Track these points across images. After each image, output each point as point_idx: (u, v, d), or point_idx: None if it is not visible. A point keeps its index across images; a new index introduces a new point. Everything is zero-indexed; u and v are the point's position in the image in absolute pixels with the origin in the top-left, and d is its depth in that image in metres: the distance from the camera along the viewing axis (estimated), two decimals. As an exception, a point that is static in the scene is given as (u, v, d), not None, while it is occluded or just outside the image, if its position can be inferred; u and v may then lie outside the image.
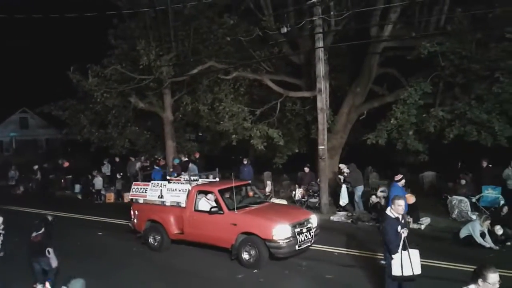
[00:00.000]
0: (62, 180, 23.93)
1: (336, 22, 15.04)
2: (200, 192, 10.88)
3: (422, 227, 12.55)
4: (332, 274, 9.05)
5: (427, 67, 14.40)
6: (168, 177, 13.37)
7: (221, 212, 10.10)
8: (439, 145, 14.90)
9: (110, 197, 19.88)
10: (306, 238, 9.68)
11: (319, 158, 14.09)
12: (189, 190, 10.94)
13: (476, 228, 10.63)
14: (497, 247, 10.32)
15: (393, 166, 19.01)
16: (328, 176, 14.88)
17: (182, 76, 17.96)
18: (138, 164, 21.20)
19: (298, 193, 15.88)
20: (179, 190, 11.19)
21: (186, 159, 19.37)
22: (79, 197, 21.34)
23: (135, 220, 11.95)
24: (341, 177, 14.63)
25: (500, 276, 4.27)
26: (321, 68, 13.80)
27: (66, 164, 24.37)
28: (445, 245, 10.91)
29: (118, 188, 20.40)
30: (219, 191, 10.56)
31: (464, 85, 13.95)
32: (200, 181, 12.05)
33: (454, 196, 13.49)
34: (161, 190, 11.54)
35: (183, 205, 10.91)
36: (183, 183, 11.51)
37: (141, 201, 11.96)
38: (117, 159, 22.28)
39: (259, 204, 10.95)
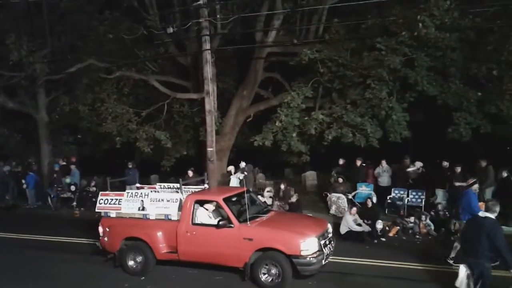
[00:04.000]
0: None
1: (222, 25, 15.19)
2: (197, 202, 9.27)
3: (306, 224, 13.23)
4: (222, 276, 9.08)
5: (308, 72, 15.23)
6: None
7: (231, 225, 8.69)
8: (320, 146, 15.86)
9: (-26, 207, 17.66)
10: (330, 251, 8.77)
11: (207, 160, 14.07)
12: (181, 200, 9.37)
13: (349, 220, 11.71)
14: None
15: (278, 166, 19.89)
16: (217, 178, 14.95)
17: (58, 74, 16.67)
18: (7, 168, 19.21)
19: (186, 196, 15.65)
20: (168, 200, 9.44)
21: (65, 163, 18.11)
22: None
23: (106, 239, 9.86)
24: (241, 175, 14.56)
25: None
26: (208, 70, 13.79)
27: None
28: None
29: (-18, 197, 18.22)
30: (224, 200, 9.10)
31: (341, 90, 15.02)
32: (184, 188, 10.31)
33: (333, 194, 14.52)
34: (142, 201, 9.62)
35: (174, 218, 9.25)
36: (171, 192, 9.99)
37: (113, 214, 9.88)
38: (-19, 165, 19.92)
39: (267, 213, 9.58)
